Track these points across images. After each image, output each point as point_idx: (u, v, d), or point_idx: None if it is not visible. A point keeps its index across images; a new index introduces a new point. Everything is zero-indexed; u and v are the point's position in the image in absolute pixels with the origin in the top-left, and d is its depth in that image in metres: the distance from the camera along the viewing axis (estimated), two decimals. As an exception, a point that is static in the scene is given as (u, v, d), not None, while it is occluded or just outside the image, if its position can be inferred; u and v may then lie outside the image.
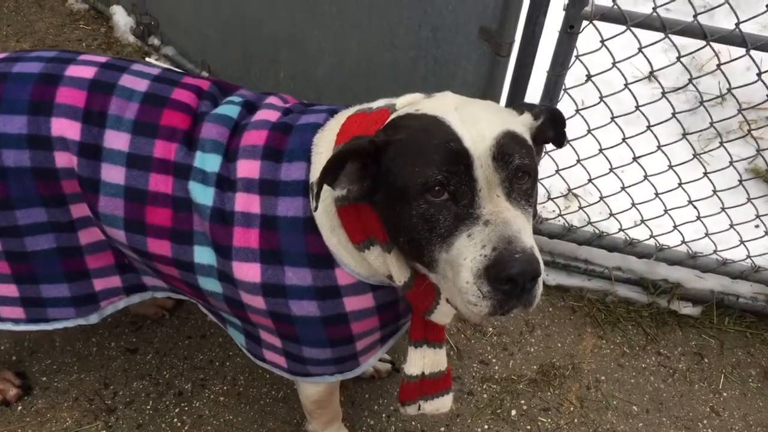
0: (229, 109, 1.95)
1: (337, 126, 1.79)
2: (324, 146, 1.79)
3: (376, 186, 1.62)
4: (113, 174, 1.85)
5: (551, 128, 1.78)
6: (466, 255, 1.47)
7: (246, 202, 1.81)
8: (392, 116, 1.68)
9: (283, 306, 1.83)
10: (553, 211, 3.02)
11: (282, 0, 3.14)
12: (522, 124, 1.69)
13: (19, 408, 2.55)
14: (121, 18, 4.08)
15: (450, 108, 1.60)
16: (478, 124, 1.55)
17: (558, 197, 3.01)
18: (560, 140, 1.83)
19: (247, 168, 1.82)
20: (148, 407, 2.60)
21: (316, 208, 1.64)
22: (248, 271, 1.81)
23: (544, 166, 2.88)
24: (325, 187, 1.61)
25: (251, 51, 3.50)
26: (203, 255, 1.87)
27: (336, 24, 2.95)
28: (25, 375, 2.63)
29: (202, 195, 1.83)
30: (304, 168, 1.80)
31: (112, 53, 4.05)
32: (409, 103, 1.72)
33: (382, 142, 1.58)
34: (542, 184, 3.00)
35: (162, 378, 2.69)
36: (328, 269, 1.79)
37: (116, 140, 1.85)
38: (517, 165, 1.53)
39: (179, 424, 2.57)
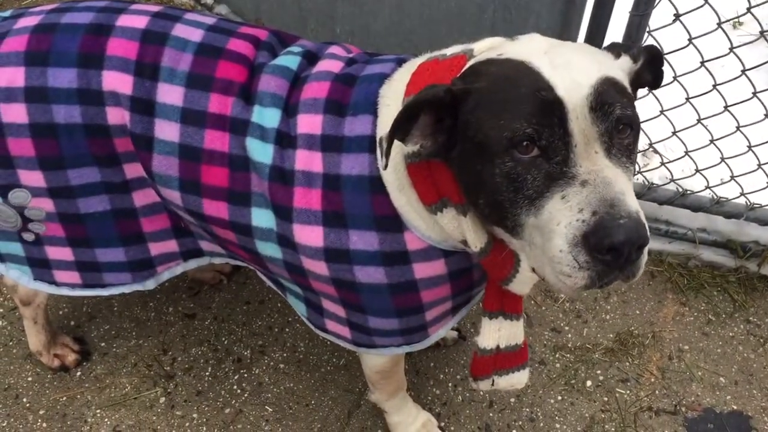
0: (289, 59, 1.80)
1: (407, 75, 1.62)
2: (392, 98, 1.64)
3: (453, 141, 1.45)
4: (167, 131, 1.74)
5: (649, 70, 1.57)
6: (560, 219, 1.29)
7: (307, 160, 1.67)
8: (471, 62, 1.51)
9: (347, 272, 1.70)
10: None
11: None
12: (620, 69, 1.49)
13: (78, 374, 2.51)
14: (174, -23, 3.97)
15: (539, 51, 1.41)
16: (572, 69, 1.36)
17: (639, 152, 2.78)
18: (658, 82, 1.62)
19: (309, 123, 1.68)
20: (207, 374, 2.53)
21: (386, 166, 1.47)
22: (310, 235, 1.69)
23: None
24: (395, 142, 1.45)
25: (307, 6, 3.34)
26: (262, 217, 1.74)
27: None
28: (83, 340, 2.59)
29: (261, 152, 1.70)
30: (370, 122, 1.65)
31: (165, 14, 3.94)
32: (489, 47, 1.54)
33: (460, 91, 1.41)
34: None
35: (220, 344, 2.62)
36: (397, 233, 1.65)
37: (170, 94, 1.73)
38: (618, 116, 1.34)
39: (239, 391, 2.49)
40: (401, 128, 1.43)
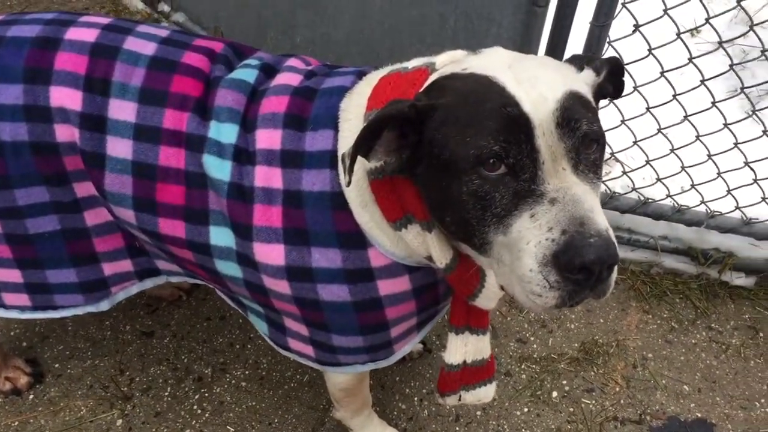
0: (246, 73, 1.75)
1: (368, 88, 1.58)
2: (353, 112, 1.60)
3: (418, 157, 1.42)
4: (119, 148, 1.67)
5: (611, 82, 1.56)
6: (530, 239, 1.27)
7: (267, 177, 1.62)
8: (433, 76, 1.48)
9: (310, 291, 1.65)
10: (594, 177, 2.80)
11: (297, -44, 2.93)
12: (584, 82, 1.47)
13: (31, 397, 2.41)
14: (129, -16, 3.88)
15: (503, 66, 1.39)
16: (537, 84, 1.33)
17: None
18: (619, 93, 1.61)
19: (268, 138, 1.64)
20: (167, 394, 2.46)
21: (349, 183, 1.43)
22: (270, 253, 1.64)
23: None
24: (358, 158, 1.41)
25: (266, 14, 3.29)
26: (221, 236, 1.69)
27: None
28: (36, 362, 2.49)
29: (218, 169, 1.64)
30: (330, 136, 1.61)
31: (120, 21, 3.85)
32: (450, 60, 1.51)
33: (425, 107, 1.37)
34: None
35: (180, 363, 2.54)
36: (360, 250, 1.61)
37: (122, 110, 1.67)
38: (585, 131, 1.31)
39: (199, 411, 2.42)
40: (365, 145, 1.39)
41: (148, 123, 1.67)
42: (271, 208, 1.62)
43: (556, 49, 2.31)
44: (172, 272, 1.97)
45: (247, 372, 2.53)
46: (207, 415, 2.41)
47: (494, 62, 1.41)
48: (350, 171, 1.40)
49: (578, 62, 1.51)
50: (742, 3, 2.21)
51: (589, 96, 1.45)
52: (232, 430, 2.39)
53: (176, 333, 2.62)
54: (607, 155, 2.74)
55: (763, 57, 2.17)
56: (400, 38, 2.74)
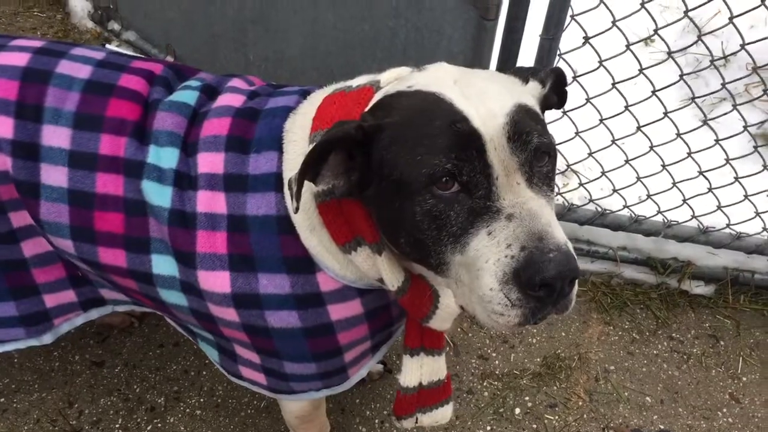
0: (186, 95, 1.70)
1: (313, 108, 1.54)
2: (298, 133, 1.55)
3: (367, 179, 1.37)
4: (54, 176, 1.61)
5: (555, 92, 1.54)
6: (488, 257, 1.23)
7: (210, 202, 1.57)
8: (378, 95, 1.44)
9: (258, 318, 1.60)
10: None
11: (246, -27, 2.88)
12: (530, 95, 1.45)
13: (-26, 435, 2.31)
14: (78, 3, 3.80)
15: (448, 81, 1.36)
16: (485, 99, 1.31)
17: (558, 174, 2.77)
18: (563, 103, 1.59)
19: (210, 162, 1.58)
20: (118, 426, 2.37)
21: (296, 209, 1.38)
22: (216, 281, 1.58)
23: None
24: (305, 183, 1.37)
25: (218, 32, 3.23)
26: (163, 265, 1.63)
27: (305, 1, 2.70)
28: (-20, 397, 2.39)
29: (158, 195, 1.58)
30: (275, 158, 1.56)
31: (69, 41, 3.76)
32: (395, 78, 1.47)
33: (371, 128, 1.33)
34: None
35: (132, 392, 2.45)
36: (309, 274, 1.56)
37: (55, 136, 1.61)
38: (536, 144, 1.29)
39: (152, 443, 2.34)
40: (311, 169, 1.35)
41: (84, 149, 1.61)
42: (216, 234, 1.57)
43: (507, 63, 2.29)
44: (118, 301, 1.90)
45: (202, 400, 2.45)
46: (161, 446, 2.33)
47: (440, 78, 1.38)
48: (298, 197, 1.36)
49: (523, 74, 1.49)
50: (696, 10, 2.21)
51: (537, 108, 1.43)
52: (187, 461, 2.31)
53: (128, 362, 2.53)
54: (563, 167, 2.73)
55: (713, 66, 2.17)
56: (353, 54, 2.70)
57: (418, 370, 1.75)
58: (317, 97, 1.58)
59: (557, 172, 2.77)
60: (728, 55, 2.42)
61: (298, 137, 1.54)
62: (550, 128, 2.53)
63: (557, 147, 2.58)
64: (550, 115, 2.53)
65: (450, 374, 1.84)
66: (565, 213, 2.72)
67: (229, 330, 1.67)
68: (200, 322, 1.71)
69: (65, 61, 1.70)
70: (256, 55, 3.12)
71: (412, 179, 1.27)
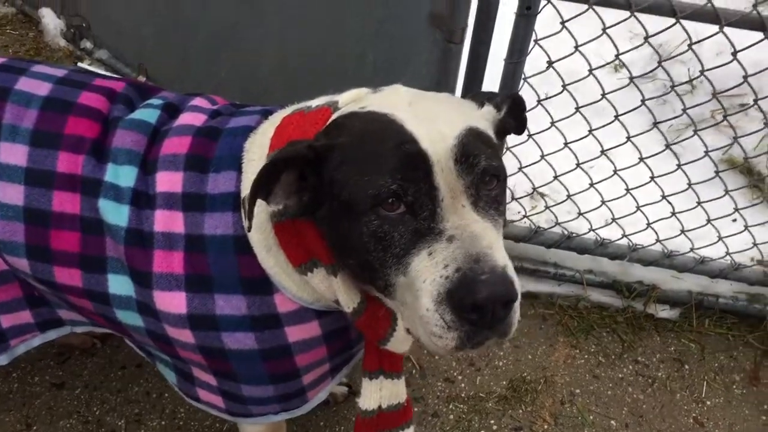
0: (147, 113, 1.69)
1: (272, 128, 1.55)
2: (257, 152, 1.55)
3: (319, 199, 1.38)
4: (10, 193, 1.59)
5: (512, 117, 1.56)
6: (425, 277, 1.24)
7: (168, 221, 1.56)
8: (334, 116, 1.44)
9: (214, 340, 1.58)
10: (519, 212, 2.80)
11: (217, -6, 2.89)
12: (484, 119, 1.47)
13: (-74, 458, 2.26)
14: (51, 21, 3.78)
15: (402, 103, 1.37)
16: (435, 121, 1.32)
17: (523, 197, 2.79)
18: (521, 128, 1.61)
19: (168, 181, 1.57)
20: (76, 449, 2.33)
21: (249, 228, 1.39)
22: (172, 301, 1.56)
23: (506, 164, 2.65)
24: (259, 201, 1.37)
25: (189, 50, 3.24)
26: (119, 285, 1.61)
27: (276, 18, 2.71)
28: (-66, 419, 2.33)
29: (115, 214, 1.57)
30: (233, 178, 1.56)
31: (41, 59, 3.74)
32: (353, 99, 1.49)
33: (323, 148, 1.34)
34: (505, 184, 2.78)
35: (92, 415, 2.41)
36: (266, 295, 1.55)
37: (12, 154, 1.60)
38: (484, 167, 1.30)
39: (111, 466, 2.30)
40: (263, 188, 1.35)
41: (41, 167, 1.60)
42: (173, 253, 1.56)
43: (472, 86, 2.31)
44: (76, 322, 1.87)
45: (163, 422, 2.41)
46: (119, 470, 2.29)
47: (394, 100, 1.40)
48: (250, 216, 1.36)
49: (479, 99, 1.51)
50: (665, 38, 2.24)
51: (490, 132, 1.44)
52: (146, 485, 2.27)
53: (89, 383, 2.49)
54: (529, 189, 2.75)
55: (674, 92, 2.20)
56: (322, 73, 2.71)
57: (378, 393, 1.73)
58: (277, 117, 1.59)
59: (525, 195, 2.80)
60: (691, 80, 2.45)
61: (256, 157, 1.54)
62: (517, 151, 2.58)
63: (524, 170, 2.62)
64: (515, 138, 2.56)
65: (410, 398, 1.82)
66: (532, 236, 2.73)
67: (185, 352, 1.65)
68: (157, 343, 1.69)
69: (25, 78, 1.69)
70: (228, 74, 3.12)
71: (359, 200, 1.28)
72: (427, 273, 1.24)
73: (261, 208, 1.46)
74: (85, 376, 2.51)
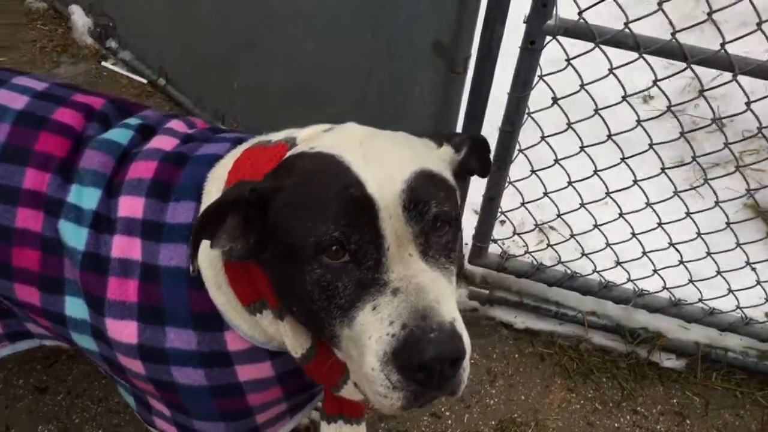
0: (120, 134, 1.66)
1: (232, 161, 1.50)
2: (216, 184, 1.51)
3: (265, 243, 1.32)
4: None
5: (475, 158, 1.49)
6: (371, 333, 1.18)
7: (126, 247, 1.52)
8: (288, 154, 1.39)
9: (164, 373, 1.54)
10: (523, 246, 2.70)
11: (233, 3, 2.86)
12: (441, 159, 1.41)
13: None
14: (80, 18, 3.81)
15: (353, 143, 1.31)
16: (384, 162, 1.26)
17: (528, 232, 2.68)
18: (485, 170, 1.55)
19: (130, 206, 1.54)
20: (51, 456, 2.32)
21: (194, 271, 1.35)
22: (123, 330, 1.52)
23: (510, 197, 2.56)
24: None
25: (206, 58, 3.22)
26: (75, 307, 1.58)
27: (289, 29, 2.67)
28: None
29: (74, 236, 1.54)
30: (192, 209, 1.51)
31: (67, 56, 3.78)
32: (311, 136, 1.42)
33: (265, 190, 1.29)
34: (507, 218, 2.68)
35: (71, 423, 2.40)
36: (216, 332, 1.50)
37: None
38: (434, 214, 1.24)
39: (83, 477, 2.28)
40: (206, 231, 1.30)
41: (7, 183, 1.58)
42: (128, 281, 1.52)
43: (474, 116, 2.23)
44: (44, 336, 1.85)
45: (140, 436, 2.39)
46: (90, 482, 2.28)
47: (344, 139, 1.34)
48: (193, 257, 1.31)
49: (438, 139, 1.45)
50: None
51: (446, 173, 1.38)
52: (115, 500, 2.25)
53: (71, 390, 2.49)
54: (531, 225, 2.65)
55: (683, 138, 2.09)
56: (331, 89, 2.67)
57: None
58: (240, 149, 1.54)
59: (530, 229, 2.70)
60: (714, 121, 2.29)
61: (214, 189, 1.49)
62: (521, 186, 2.49)
63: (527, 205, 2.52)
64: (520, 172, 2.47)
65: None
66: (534, 272, 2.63)
67: (138, 381, 1.62)
68: (112, 369, 1.66)
69: (3, 90, 1.68)
70: (241, 83, 3.09)
71: (302, 246, 1.22)
72: (373, 329, 1.18)
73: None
74: (69, 382, 2.50)
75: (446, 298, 1.21)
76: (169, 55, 3.47)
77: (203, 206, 1.50)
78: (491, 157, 1.53)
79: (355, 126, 1.41)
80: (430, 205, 1.23)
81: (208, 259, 1.43)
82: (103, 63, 3.70)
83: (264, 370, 1.55)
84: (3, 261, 1.59)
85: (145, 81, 3.57)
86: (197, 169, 1.56)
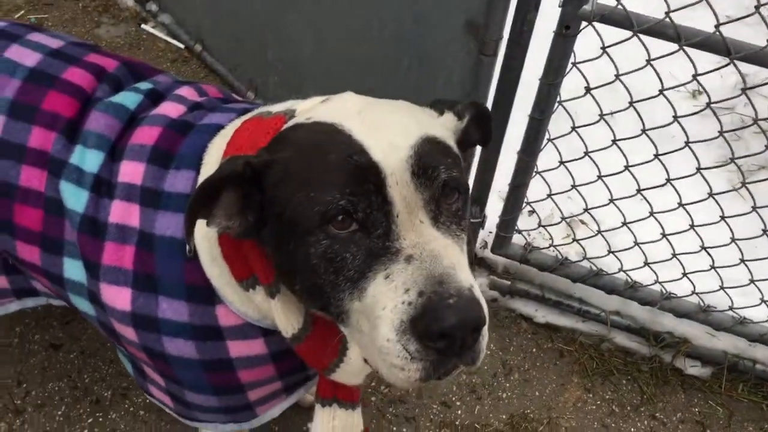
0: (128, 97, 1.64)
1: (232, 131, 1.45)
2: (214, 155, 1.47)
3: (264, 219, 1.28)
4: None
5: (477, 128, 1.44)
6: (385, 303, 1.13)
7: (124, 213, 1.50)
8: (286, 126, 1.34)
9: (156, 342, 1.52)
10: (548, 239, 2.61)
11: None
12: (444, 128, 1.35)
13: None
14: (123, -21, 3.81)
15: (351, 113, 1.26)
16: (388, 130, 1.21)
17: (554, 224, 2.59)
18: (486, 140, 1.49)
19: (131, 171, 1.52)
20: (60, 413, 2.35)
21: (190, 251, 1.32)
22: (117, 296, 1.51)
23: (540, 188, 2.48)
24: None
25: (241, 27, 3.18)
26: (73, 270, 1.58)
27: (314, 7, 2.61)
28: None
29: (74, 198, 1.53)
30: (191, 178, 1.48)
31: (107, 16, 3.79)
32: (310, 108, 1.37)
33: (260, 164, 1.24)
34: (534, 209, 2.59)
35: (81, 381, 2.43)
36: (208, 306, 1.48)
37: None
38: (444, 180, 1.19)
39: (89, 436, 2.31)
40: (200, 209, 1.26)
41: (14, 140, 1.57)
42: (125, 247, 1.50)
43: (502, 102, 2.14)
44: (50, 295, 1.85)
45: (147, 401, 2.39)
46: (95, 442, 2.30)
47: (342, 109, 1.29)
48: (189, 236, 1.28)
49: (439, 107, 1.40)
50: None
51: (450, 141, 1.32)
52: (118, 462, 2.26)
53: (85, 349, 2.51)
54: (559, 218, 2.56)
55: (722, 137, 1.97)
56: (358, 67, 2.60)
57: (330, 423, 1.64)
58: (241, 120, 1.50)
59: (557, 221, 2.60)
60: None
61: (213, 160, 1.46)
62: (549, 177, 2.40)
63: (554, 197, 2.43)
64: (548, 162, 2.37)
65: (368, 429, 1.72)
66: (557, 266, 2.54)
67: (132, 348, 1.61)
68: (108, 335, 1.65)
69: (16, 45, 1.67)
70: (275, 55, 3.05)
71: (305, 218, 1.18)
72: (387, 299, 1.13)
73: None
74: (83, 341, 2.53)
75: (462, 265, 1.17)
76: (207, 21, 3.44)
77: (201, 178, 1.47)
78: (492, 127, 1.48)
79: (353, 95, 1.36)
80: (439, 171, 1.19)
81: (203, 230, 1.39)
82: (143, 26, 3.70)
83: (256, 347, 1.52)
84: (6, 217, 1.59)
85: (182, 46, 3.55)
86: (199, 139, 1.53)
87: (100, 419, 2.35)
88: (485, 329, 1.16)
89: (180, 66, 3.50)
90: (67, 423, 2.33)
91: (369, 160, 1.16)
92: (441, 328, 1.08)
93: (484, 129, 1.47)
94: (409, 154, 1.18)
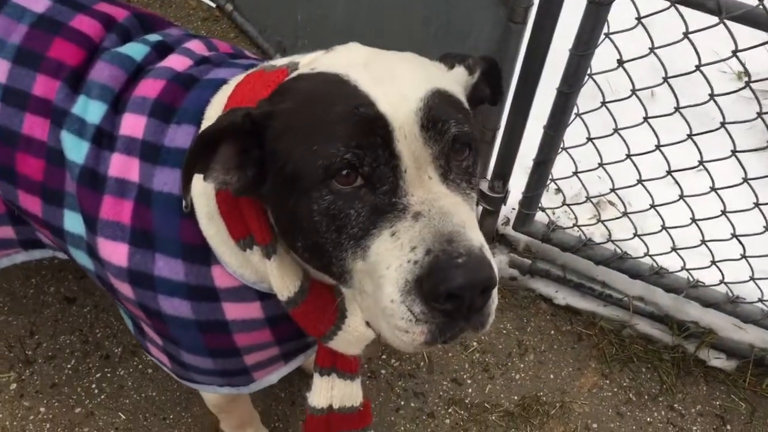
0: (135, 48, 1.60)
1: (234, 85, 1.40)
2: (215, 110, 1.43)
3: (264, 174, 1.23)
4: None
5: (486, 83, 1.38)
6: (390, 262, 1.08)
7: (124, 166, 1.47)
8: (288, 78, 1.28)
9: (152, 300, 1.50)
10: (572, 218, 2.52)
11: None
12: (455, 81, 1.29)
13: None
14: (159, -65, 3.75)
15: (357, 63, 1.20)
16: (397, 81, 1.15)
17: (580, 203, 2.49)
18: (496, 97, 1.43)
19: (132, 124, 1.48)
20: (69, 366, 2.36)
21: (187, 206, 1.29)
22: (114, 251, 1.48)
23: (565, 165, 2.38)
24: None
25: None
26: (73, 222, 1.56)
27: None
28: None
29: (75, 149, 1.50)
30: (191, 134, 1.44)
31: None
32: (313, 59, 1.31)
33: (260, 116, 1.18)
34: (559, 187, 2.50)
35: (92, 336, 2.44)
36: (203, 266, 1.44)
37: None
38: (454, 134, 1.14)
39: (96, 391, 2.32)
40: (197, 162, 1.21)
41: (18, 86, 1.55)
42: (123, 202, 1.47)
43: (530, 72, 2.05)
44: (55, 247, 1.84)
45: (156, 359, 2.40)
46: (102, 396, 2.31)
47: (348, 59, 1.22)
48: (185, 192, 1.24)
49: (449, 60, 1.33)
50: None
51: (461, 96, 1.26)
52: (123, 417, 2.27)
53: (98, 304, 2.51)
54: (585, 198, 2.46)
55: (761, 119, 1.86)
56: (387, 31, 2.52)
57: (329, 392, 1.60)
58: (244, 74, 1.44)
59: (582, 201, 2.50)
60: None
61: (213, 114, 1.41)
62: (574, 153, 2.30)
63: (580, 174, 2.33)
64: (575, 138, 2.27)
65: (369, 402, 1.67)
66: (581, 247, 2.45)
67: (129, 305, 1.58)
68: (107, 290, 1.63)
69: None
70: (304, 17, 2.98)
71: (307, 173, 1.12)
72: (392, 257, 1.08)
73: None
74: (97, 296, 2.53)
75: (471, 224, 1.12)
76: (240, -19, 3.39)
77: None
78: (502, 84, 1.43)
79: (359, 46, 1.29)
80: (449, 125, 1.13)
81: (201, 186, 1.35)
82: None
83: (252, 310, 1.49)
84: (8, 165, 1.57)
85: (213, 5, 3.51)
86: (202, 93, 1.48)
87: (109, 375, 2.35)
88: (495, 292, 1.10)
89: (210, 25, 3.46)
90: (76, 376, 2.34)
91: (376, 112, 1.10)
92: (448, 289, 1.03)
93: (495, 85, 1.41)
94: (419, 106, 1.12)
